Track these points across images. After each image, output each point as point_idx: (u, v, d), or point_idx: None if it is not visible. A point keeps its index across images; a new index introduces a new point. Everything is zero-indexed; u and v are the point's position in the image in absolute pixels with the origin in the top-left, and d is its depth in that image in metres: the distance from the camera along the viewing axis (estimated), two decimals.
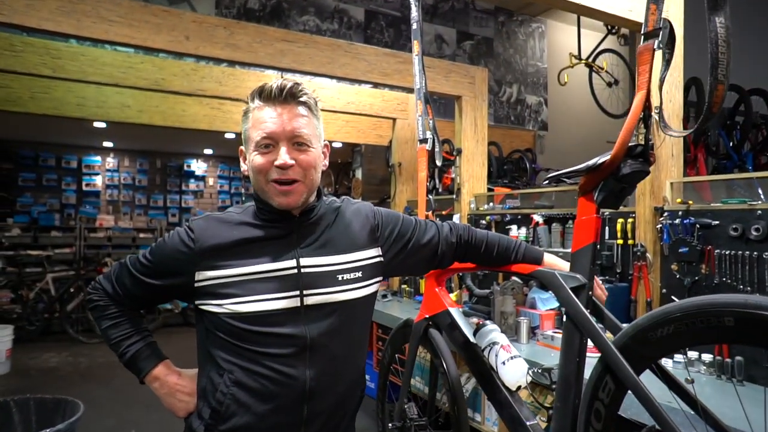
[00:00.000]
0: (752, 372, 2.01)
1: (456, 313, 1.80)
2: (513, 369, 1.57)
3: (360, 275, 1.25)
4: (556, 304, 2.77)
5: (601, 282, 1.47)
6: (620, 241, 2.74)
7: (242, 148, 1.24)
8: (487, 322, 1.73)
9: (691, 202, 2.37)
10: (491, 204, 3.97)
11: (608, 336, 1.20)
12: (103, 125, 6.38)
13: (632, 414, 1.71)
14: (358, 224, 1.30)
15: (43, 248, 7.45)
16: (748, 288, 2.09)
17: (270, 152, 1.16)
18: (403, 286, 4.42)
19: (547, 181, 1.50)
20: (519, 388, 1.58)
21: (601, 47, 5.13)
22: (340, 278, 1.21)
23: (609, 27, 5.00)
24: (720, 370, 2.06)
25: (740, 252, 2.13)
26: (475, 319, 2.19)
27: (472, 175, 4.09)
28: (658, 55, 1.20)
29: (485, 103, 4.19)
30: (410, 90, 4.48)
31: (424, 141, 2.30)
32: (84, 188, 8.55)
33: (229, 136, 6.46)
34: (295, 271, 1.18)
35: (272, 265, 1.17)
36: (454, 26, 6.61)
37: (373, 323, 3.65)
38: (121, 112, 4.67)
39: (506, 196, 4.00)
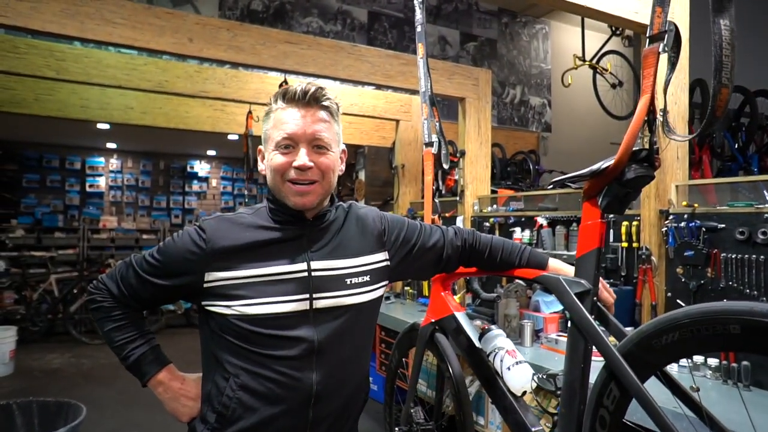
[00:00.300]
0: (759, 377, 1.99)
1: (462, 317, 1.80)
2: (518, 374, 1.56)
3: (368, 279, 1.26)
4: (560, 307, 2.75)
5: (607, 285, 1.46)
6: (625, 244, 2.72)
7: (261, 147, 1.25)
8: (493, 326, 1.72)
9: (696, 204, 2.35)
10: (494, 206, 3.95)
11: (612, 341, 1.18)
12: (106, 127, 6.41)
13: (638, 419, 1.69)
14: (366, 229, 1.31)
15: (47, 249, 7.47)
16: (755, 292, 2.07)
17: (290, 153, 1.17)
18: (406, 288, 4.41)
19: (552, 186, 1.49)
20: (524, 393, 1.57)
21: (605, 49, 5.11)
22: (348, 282, 1.22)
23: (613, 28, 4.98)
24: (726, 375, 2.04)
25: (747, 256, 2.11)
26: (480, 323, 2.18)
27: (476, 177, 4.08)
28: (664, 58, 1.19)
29: (489, 104, 4.18)
30: (413, 92, 4.47)
31: (430, 144, 2.27)
32: (87, 189, 8.57)
33: (232, 137, 6.48)
34: (306, 274, 1.18)
35: (283, 267, 1.17)
36: (458, 28, 6.60)
37: (376, 326, 3.63)
38: (124, 113, 4.69)
39: (510, 198, 3.97)
